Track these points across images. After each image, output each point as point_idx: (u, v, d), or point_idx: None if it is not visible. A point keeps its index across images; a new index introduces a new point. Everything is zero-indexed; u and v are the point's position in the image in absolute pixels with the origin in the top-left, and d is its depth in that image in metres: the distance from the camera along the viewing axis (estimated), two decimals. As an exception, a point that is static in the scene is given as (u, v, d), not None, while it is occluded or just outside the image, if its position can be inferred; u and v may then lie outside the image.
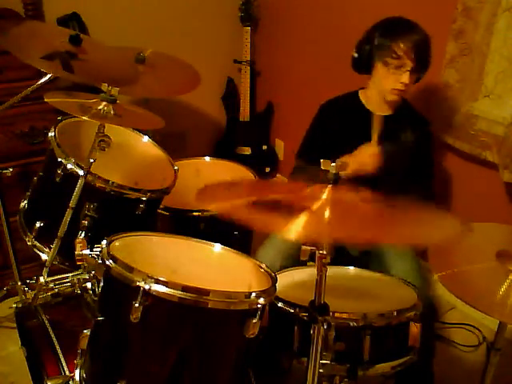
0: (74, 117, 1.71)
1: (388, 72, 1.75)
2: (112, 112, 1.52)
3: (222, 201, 1.14)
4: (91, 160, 1.52)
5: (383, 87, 1.81)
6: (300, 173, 1.99)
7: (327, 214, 1.05)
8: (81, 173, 1.55)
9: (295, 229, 0.96)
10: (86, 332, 1.29)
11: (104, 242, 1.28)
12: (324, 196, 1.10)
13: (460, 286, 1.14)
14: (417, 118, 1.94)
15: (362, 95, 1.94)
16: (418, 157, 1.88)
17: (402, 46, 1.71)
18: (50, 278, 1.72)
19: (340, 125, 1.90)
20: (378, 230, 1.04)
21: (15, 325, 1.79)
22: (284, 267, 1.65)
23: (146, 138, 1.91)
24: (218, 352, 1.23)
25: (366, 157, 1.72)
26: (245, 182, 1.74)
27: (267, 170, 3.35)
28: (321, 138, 1.95)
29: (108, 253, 1.23)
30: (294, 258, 1.66)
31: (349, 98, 1.95)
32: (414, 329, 1.37)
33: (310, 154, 1.92)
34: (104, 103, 1.53)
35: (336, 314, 1.30)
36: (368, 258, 1.85)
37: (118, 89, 1.54)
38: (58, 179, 1.60)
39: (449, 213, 1.19)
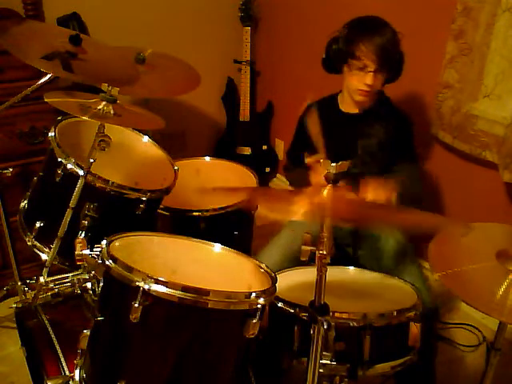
0: (74, 117, 1.71)
1: (351, 73, 1.78)
2: (112, 112, 1.52)
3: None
4: (91, 160, 1.52)
5: (349, 88, 1.84)
6: (288, 172, 2.09)
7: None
8: (81, 173, 1.55)
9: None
10: (86, 332, 1.29)
11: (104, 242, 1.28)
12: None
13: (460, 286, 1.14)
14: (389, 112, 1.93)
15: (340, 96, 1.97)
16: (398, 146, 1.88)
17: (362, 48, 1.72)
18: (50, 278, 1.72)
19: (323, 126, 1.90)
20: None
21: (15, 325, 1.79)
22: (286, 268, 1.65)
23: (146, 138, 1.91)
24: (217, 352, 1.23)
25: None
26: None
27: (267, 170, 3.35)
28: (303, 140, 1.95)
29: (108, 253, 1.23)
30: (296, 261, 1.66)
31: (328, 100, 1.99)
32: (414, 329, 1.37)
33: (295, 154, 1.97)
34: (104, 103, 1.53)
35: (336, 314, 1.30)
36: (367, 259, 1.85)
37: (117, 89, 1.54)
38: (58, 179, 1.60)
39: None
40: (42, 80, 1.79)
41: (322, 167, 1.69)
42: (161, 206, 1.82)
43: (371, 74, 1.74)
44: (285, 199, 1.19)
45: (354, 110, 1.91)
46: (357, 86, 1.79)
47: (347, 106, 1.92)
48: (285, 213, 1.09)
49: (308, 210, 1.06)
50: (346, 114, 1.93)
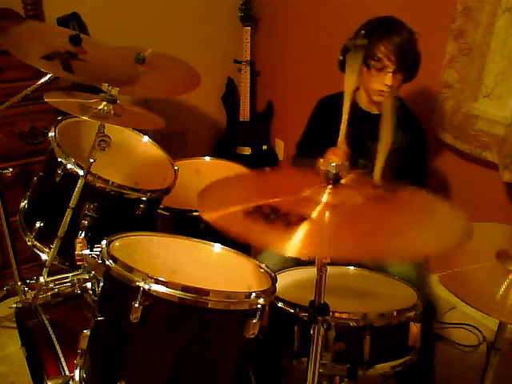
0: (74, 117, 1.71)
1: (370, 74, 1.77)
2: (112, 112, 1.53)
3: (217, 208, 1.09)
4: (91, 160, 1.53)
5: (368, 89, 1.83)
6: (297, 163, 2.06)
7: (327, 218, 1.03)
8: (81, 173, 1.55)
9: (293, 244, 0.95)
10: (86, 332, 1.29)
11: (104, 242, 1.28)
12: (324, 198, 1.09)
13: (460, 286, 1.14)
14: (408, 118, 1.93)
15: (357, 94, 1.94)
16: (411, 157, 1.87)
17: (382, 48, 1.72)
18: (50, 278, 1.72)
19: (334, 121, 1.91)
20: (384, 240, 1.00)
21: (15, 325, 1.79)
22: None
23: (146, 138, 1.91)
24: (217, 352, 1.23)
25: None
26: (243, 177, 1.72)
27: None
28: (316, 133, 1.98)
29: (108, 253, 1.23)
30: (296, 261, 1.66)
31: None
32: (414, 329, 1.37)
33: (307, 147, 1.97)
34: (104, 103, 1.53)
35: (336, 314, 1.30)
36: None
37: (117, 89, 1.54)
38: (58, 179, 1.60)
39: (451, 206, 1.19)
40: (42, 80, 1.79)
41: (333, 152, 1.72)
42: (161, 206, 1.82)
43: (390, 74, 1.74)
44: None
45: (374, 110, 1.90)
46: (376, 86, 1.78)
47: (366, 104, 1.91)
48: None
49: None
50: (365, 112, 1.92)
